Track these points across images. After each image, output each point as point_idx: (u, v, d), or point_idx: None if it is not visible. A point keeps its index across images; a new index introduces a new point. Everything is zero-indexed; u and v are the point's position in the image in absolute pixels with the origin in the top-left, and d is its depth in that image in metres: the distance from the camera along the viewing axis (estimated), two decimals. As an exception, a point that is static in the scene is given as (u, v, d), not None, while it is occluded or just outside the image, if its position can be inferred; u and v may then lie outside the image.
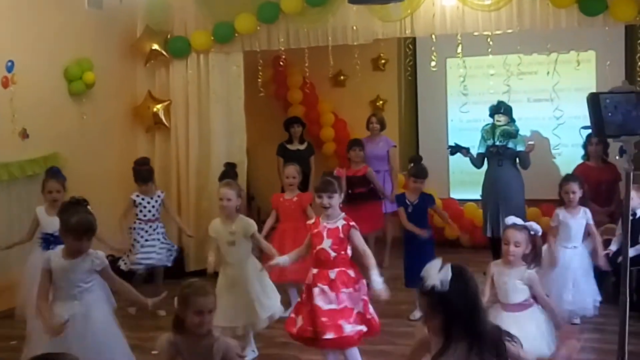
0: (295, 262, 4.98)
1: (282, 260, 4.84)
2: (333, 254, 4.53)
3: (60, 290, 4.17)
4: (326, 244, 4.52)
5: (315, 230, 4.60)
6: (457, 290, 2.82)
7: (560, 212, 5.94)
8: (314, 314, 4.48)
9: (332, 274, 4.51)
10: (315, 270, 4.58)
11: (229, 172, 7.31)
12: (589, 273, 5.94)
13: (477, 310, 2.86)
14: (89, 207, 4.26)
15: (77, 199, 4.35)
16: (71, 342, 3.92)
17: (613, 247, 6.28)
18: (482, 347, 2.84)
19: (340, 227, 4.55)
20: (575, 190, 5.95)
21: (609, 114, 3.41)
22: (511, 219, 4.77)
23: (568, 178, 6.15)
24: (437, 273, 2.83)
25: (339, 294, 4.47)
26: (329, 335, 4.43)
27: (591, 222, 6.01)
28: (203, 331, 3.43)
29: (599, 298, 5.85)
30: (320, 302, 4.48)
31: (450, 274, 2.82)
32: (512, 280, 4.59)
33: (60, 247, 4.27)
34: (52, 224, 5.44)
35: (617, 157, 6.96)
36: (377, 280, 4.50)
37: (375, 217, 7.70)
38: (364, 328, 4.53)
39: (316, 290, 4.50)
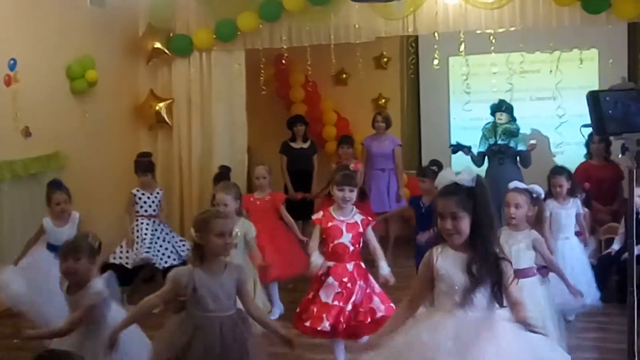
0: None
1: (319, 261, 4.69)
2: (351, 248, 4.62)
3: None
4: (346, 238, 4.60)
5: (330, 224, 4.63)
6: (484, 191, 3.00)
7: (551, 203, 5.94)
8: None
9: (350, 266, 4.60)
10: (330, 263, 4.62)
11: (224, 174, 7.33)
12: (586, 264, 5.93)
13: (494, 215, 3.02)
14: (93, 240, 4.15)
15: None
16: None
17: (616, 246, 6.27)
18: (484, 263, 2.93)
19: (359, 222, 4.66)
20: (563, 184, 5.98)
21: (610, 112, 3.40)
22: (514, 183, 4.79)
23: (556, 171, 6.16)
24: (461, 174, 2.99)
25: (355, 286, 4.55)
26: (307, 323, 4.55)
27: (581, 211, 6.05)
28: (227, 253, 3.53)
29: (598, 292, 5.82)
30: (323, 295, 4.56)
31: (475, 174, 3.01)
32: (519, 244, 4.60)
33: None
34: (59, 235, 5.42)
35: (619, 156, 6.96)
36: (385, 266, 4.64)
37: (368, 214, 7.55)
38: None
39: (326, 282, 4.57)
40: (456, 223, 2.95)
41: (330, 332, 4.55)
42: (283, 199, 6.56)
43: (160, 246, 6.63)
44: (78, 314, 3.84)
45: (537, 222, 4.72)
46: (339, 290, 4.56)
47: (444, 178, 3.00)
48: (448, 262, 3.01)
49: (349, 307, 4.54)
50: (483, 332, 2.87)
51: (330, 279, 4.58)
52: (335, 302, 4.54)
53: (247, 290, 3.60)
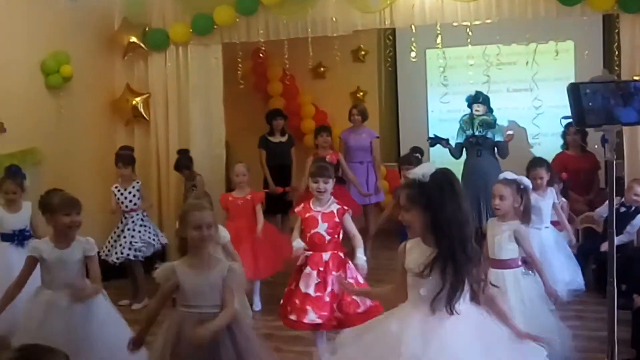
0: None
1: (301, 244, 4.75)
2: (327, 237, 4.67)
3: (54, 280, 4.14)
4: (322, 227, 4.66)
5: (308, 215, 4.71)
6: (437, 187, 2.88)
7: (532, 196, 5.97)
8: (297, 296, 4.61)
9: (326, 256, 4.64)
10: (308, 253, 4.68)
11: (182, 160, 7.35)
12: (569, 251, 5.96)
13: (455, 214, 2.87)
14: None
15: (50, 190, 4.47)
16: (62, 331, 3.92)
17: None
18: (458, 266, 2.86)
19: (335, 211, 4.71)
20: (543, 176, 6.01)
21: (590, 104, 3.41)
22: (504, 174, 4.80)
23: (535, 163, 6.16)
24: (417, 168, 2.97)
25: (329, 276, 4.57)
26: (292, 317, 4.61)
27: (556, 200, 6.07)
28: (204, 245, 3.50)
29: (582, 278, 5.86)
30: (302, 285, 4.61)
31: (433, 170, 2.92)
32: (502, 234, 4.61)
33: (44, 239, 4.27)
34: (13, 221, 5.54)
35: (595, 146, 7.03)
36: (361, 256, 4.66)
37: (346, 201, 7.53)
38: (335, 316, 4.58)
39: (304, 272, 4.62)
40: (406, 215, 2.96)
41: (314, 324, 4.57)
42: (262, 198, 6.58)
43: (142, 239, 6.59)
44: (95, 266, 4.22)
45: (525, 214, 4.73)
46: (318, 280, 4.59)
47: (414, 171, 3.00)
48: (414, 255, 2.99)
49: (327, 298, 4.55)
50: (447, 329, 2.85)
51: (308, 269, 4.62)
52: (318, 293, 4.57)
53: (227, 290, 3.49)
